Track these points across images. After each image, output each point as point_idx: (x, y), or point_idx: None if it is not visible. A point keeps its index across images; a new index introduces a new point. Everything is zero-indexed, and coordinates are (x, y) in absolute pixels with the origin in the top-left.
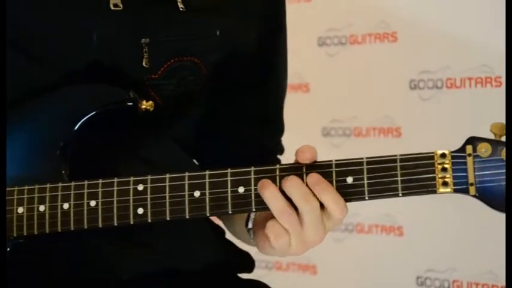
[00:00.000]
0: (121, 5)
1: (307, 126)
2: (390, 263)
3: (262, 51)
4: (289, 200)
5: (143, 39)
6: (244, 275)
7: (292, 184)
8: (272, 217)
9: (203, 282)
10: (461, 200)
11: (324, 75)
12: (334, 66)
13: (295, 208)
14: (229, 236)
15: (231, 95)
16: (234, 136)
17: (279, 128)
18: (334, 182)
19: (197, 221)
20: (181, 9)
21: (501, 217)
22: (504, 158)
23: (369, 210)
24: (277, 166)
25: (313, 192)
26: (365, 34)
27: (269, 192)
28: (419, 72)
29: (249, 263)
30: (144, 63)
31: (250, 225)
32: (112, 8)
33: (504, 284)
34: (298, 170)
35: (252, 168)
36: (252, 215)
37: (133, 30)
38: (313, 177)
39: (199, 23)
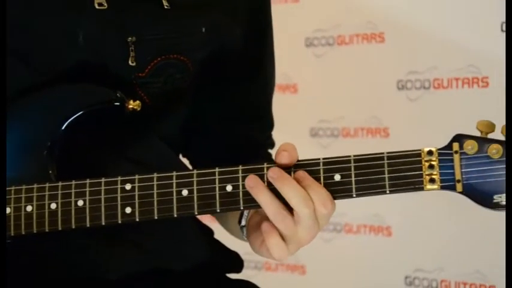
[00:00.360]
0: (106, 4)
1: (295, 126)
2: (379, 263)
3: (248, 48)
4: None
5: (129, 38)
6: (233, 275)
7: (290, 187)
8: (266, 218)
9: (192, 282)
10: (449, 201)
11: (312, 76)
12: (321, 67)
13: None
14: (218, 236)
15: (218, 92)
16: (224, 132)
17: (269, 123)
18: (322, 179)
19: (186, 220)
20: (166, 7)
21: (488, 217)
22: (490, 155)
23: (357, 210)
24: (265, 165)
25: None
26: (352, 35)
27: (264, 197)
28: (406, 73)
29: (237, 263)
30: (130, 62)
31: (243, 223)
32: (97, 7)
33: (492, 283)
34: (286, 168)
35: (240, 167)
36: (245, 212)
37: (118, 29)
38: (299, 175)
39: (184, 21)
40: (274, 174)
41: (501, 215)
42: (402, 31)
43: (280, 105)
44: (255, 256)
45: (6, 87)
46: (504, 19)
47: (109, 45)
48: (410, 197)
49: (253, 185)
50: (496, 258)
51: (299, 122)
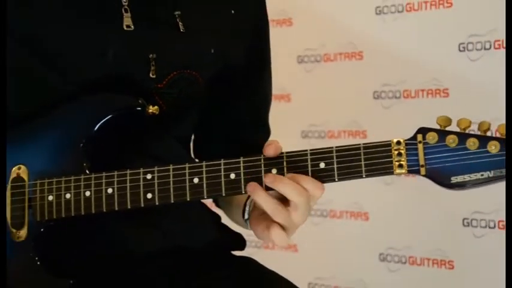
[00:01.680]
0: (132, 26)
1: (289, 129)
2: (358, 242)
3: (250, 66)
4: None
5: (150, 55)
6: (237, 252)
7: (285, 185)
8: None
9: (203, 258)
10: (416, 192)
11: (303, 87)
12: (311, 80)
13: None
14: (224, 220)
15: (225, 102)
16: (229, 136)
17: (267, 130)
18: (309, 166)
19: (197, 207)
20: (182, 30)
21: (447, 206)
22: (448, 144)
23: (340, 199)
24: (262, 156)
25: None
26: (336, 53)
27: (260, 197)
28: (381, 85)
29: (241, 243)
30: (151, 75)
31: (246, 217)
32: (125, 28)
33: (450, 259)
34: (279, 158)
35: (241, 158)
36: (247, 208)
37: (142, 47)
38: (290, 175)
39: (197, 42)
40: (269, 179)
41: (458, 203)
42: (378, 50)
43: (277, 112)
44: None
45: (46, 96)
46: (461, 41)
47: (134, 60)
48: (384, 188)
49: (252, 190)
50: (454, 238)
51: (292, 126)
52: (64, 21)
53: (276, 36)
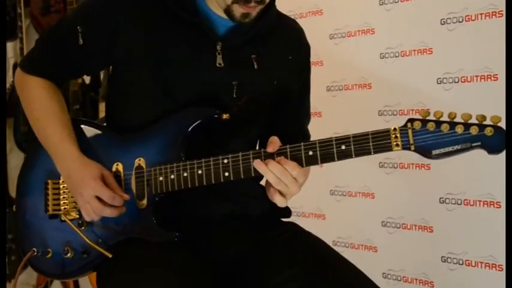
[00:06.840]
0: (222, 64)
1: (323, 134)
2: (366, 213)
3: (298, 91)
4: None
5: (233, 82)
6: (285, 219)
7: (272, 166)
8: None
9: (261, 222)
10: (408, 180)
11: (330, 107)
12: (335, 102)
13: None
14: None
15: (281, 113)
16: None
17: (307, 134)
18: (334, 148)
19: (258, 186)
20: (256, 67)
21: (429, 189)
22: (428, 129)
23: (355, 183)
24: (302, 144)
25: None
26: (353, 84)
27: (267, 173)
28: (383, 106)
29: (288, 212)
30: (234, 95)
31: None
32: (217, 65)
33: (430, 225)
34: (313, 144)
35: (288, 147)
36: None
37: (228, 78)
38: (279, 159)
39: (265, 76)
40: (256, 164)
41: (437, 188)
42: (382, 82)
43: (315, 123)
44: (298, 208)
45: (161, 110)
46: (438, 76)
47: (223, 86)
48: (385, 177)
49: (257, 166)
50: (433, 211)
51: (324, 133)
52: (185, 70)
53: (312, 73)
